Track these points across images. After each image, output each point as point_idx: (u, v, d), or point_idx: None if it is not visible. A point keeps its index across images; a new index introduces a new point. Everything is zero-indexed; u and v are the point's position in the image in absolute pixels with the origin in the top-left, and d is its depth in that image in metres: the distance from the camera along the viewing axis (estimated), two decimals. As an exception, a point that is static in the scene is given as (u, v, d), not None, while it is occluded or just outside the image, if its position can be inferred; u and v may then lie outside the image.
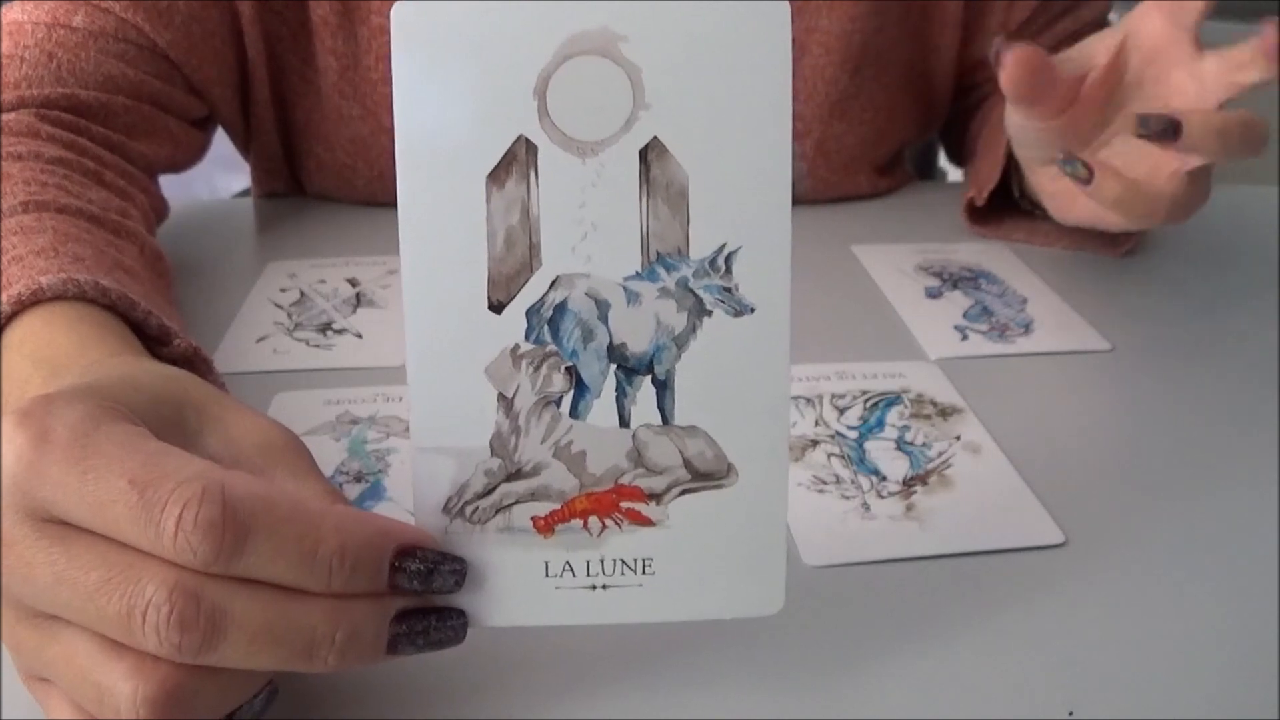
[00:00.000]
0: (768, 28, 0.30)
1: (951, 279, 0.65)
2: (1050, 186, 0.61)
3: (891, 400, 0.52)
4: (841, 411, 0.51)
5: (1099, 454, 0.49)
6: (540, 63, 0.30)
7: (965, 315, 0.60)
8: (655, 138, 0.31)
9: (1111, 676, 0.36)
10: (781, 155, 0.31)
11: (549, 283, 0.32)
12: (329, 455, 0.47)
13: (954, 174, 1.14)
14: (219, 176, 1.29)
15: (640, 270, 0.32)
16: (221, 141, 0.74)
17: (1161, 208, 0.54)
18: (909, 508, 0.44)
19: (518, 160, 0.31)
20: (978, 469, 0.47)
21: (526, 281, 0.32)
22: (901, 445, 0.48)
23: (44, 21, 0.59)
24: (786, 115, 0.31)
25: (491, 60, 0.30)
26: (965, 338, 0.58)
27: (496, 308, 0.32)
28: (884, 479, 0.46)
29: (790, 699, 0.35)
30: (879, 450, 0.48)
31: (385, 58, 0.68)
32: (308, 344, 0.56)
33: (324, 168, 0.73)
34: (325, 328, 0.58)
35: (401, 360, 0.55)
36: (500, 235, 0.31)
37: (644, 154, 0.31)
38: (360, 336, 0.57)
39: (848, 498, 0.45)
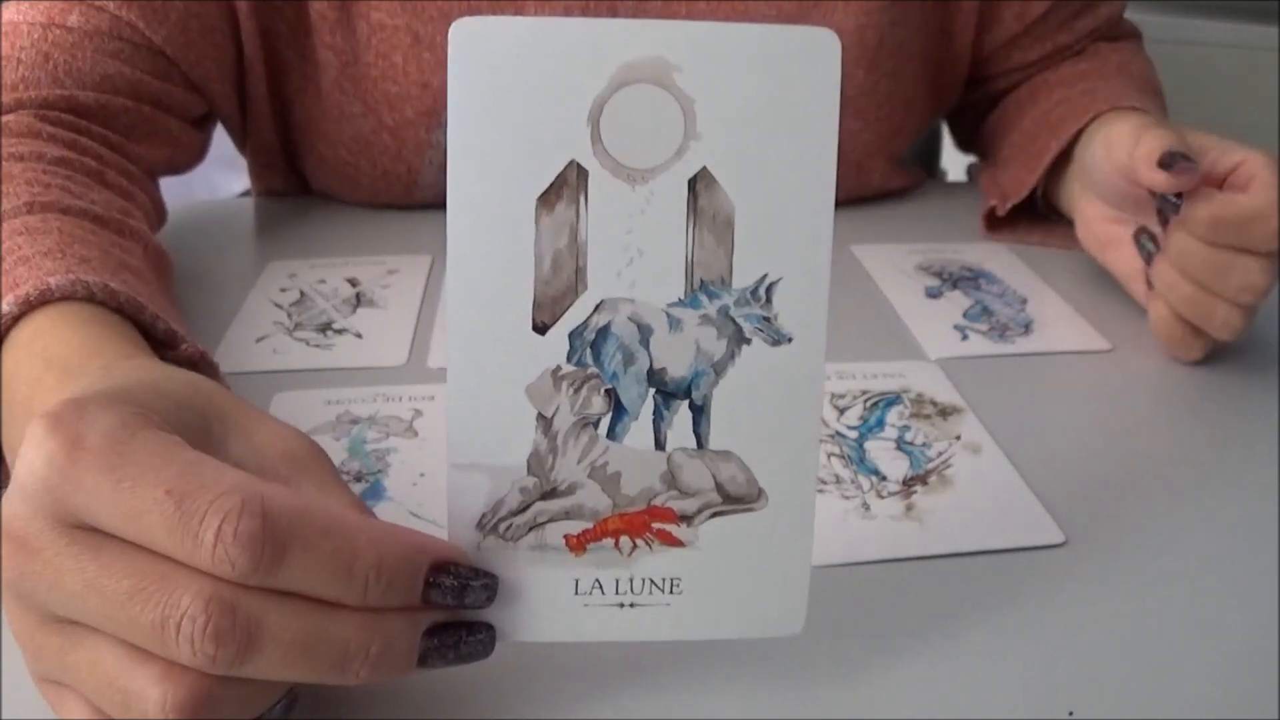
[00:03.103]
0: (818, 60, 0.30)
1: (951, 279, 0.65)
2: (1094, 221, 0.62)
3: (891, 400, 0.52)
4: (841, 411, 0.51)
5: (1099, 454, 0.49)
6: (595, 89, 0.30)
7: (965, 315, 0.60)
8: (704, 168, 0.31)
9: (1111, 676, 0.36)
10: (826, 188, 0.31)
11: (593, 306, 0.32)
12: (329, 455, 0.46)
13: (954, 173, 1.14)
14: (219, 176, 1.29)
15: (683, 297, 0.32)
16: (222, 142, 0.74)
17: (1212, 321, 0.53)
18: (909, 508, 0.44)
19: (569, 185, 0.31)
20: (978, 469, 0.47)
21: (571, 304, 0.32)
22: (901, 445, 0.48)
23: (39, 22, 0.59)
24: (832, 148, 0.31)
25: (548, 83, 0.30)
26: (965, 338, 0.58)
27: (540, 329, 0.32)
28: (884, 479, 0.46)
29: (790, 699, 0.35)
30: (879, 450, 0.48)
31: (385, 54, 0.68)
32: (308, 344, 0.56)
33: (326, 165, 0.73)
34: (325, 328, 0.58)
35: (401, 360, 0.55)
36: (548, 258, 0.31)
37: (693, 183, 0.31)
38: (360, 336, 0.57)
39: (848, 498, 0.45)
